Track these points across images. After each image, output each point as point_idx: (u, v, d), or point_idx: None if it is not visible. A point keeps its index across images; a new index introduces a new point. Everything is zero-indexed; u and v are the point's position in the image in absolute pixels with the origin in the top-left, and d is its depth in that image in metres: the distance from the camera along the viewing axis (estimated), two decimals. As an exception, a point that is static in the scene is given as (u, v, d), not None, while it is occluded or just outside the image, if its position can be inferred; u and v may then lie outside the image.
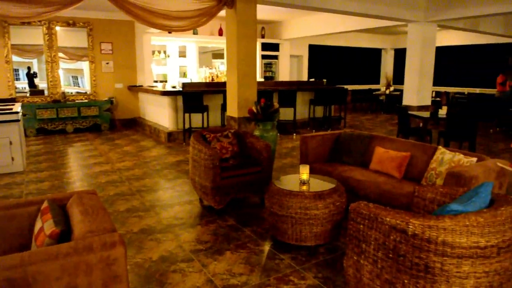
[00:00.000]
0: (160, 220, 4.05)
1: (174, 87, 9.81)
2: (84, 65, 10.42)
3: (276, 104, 5.49)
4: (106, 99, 10.35)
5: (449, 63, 15.15)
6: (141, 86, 10.65)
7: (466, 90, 14.68)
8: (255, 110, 5.48)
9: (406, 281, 2.03)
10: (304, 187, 3.43)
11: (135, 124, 10.77)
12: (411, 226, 1.98)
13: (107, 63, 10.41)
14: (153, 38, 11.26)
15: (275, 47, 13.84)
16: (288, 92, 9.32)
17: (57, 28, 9.67)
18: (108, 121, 10.16)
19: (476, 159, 3.46)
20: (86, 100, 10.16)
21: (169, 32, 10.31)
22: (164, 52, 12.35)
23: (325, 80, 11.74)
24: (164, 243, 3.53)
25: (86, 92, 10.39)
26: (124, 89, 10.76)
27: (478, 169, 3.18)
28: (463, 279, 1.92)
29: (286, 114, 9.63)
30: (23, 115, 9.16)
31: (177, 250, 3.38)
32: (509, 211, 2.02)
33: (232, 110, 6.85)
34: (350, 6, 8.29)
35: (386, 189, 3.72)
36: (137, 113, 10.99)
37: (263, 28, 13.69)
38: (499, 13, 8.51)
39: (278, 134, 6.15)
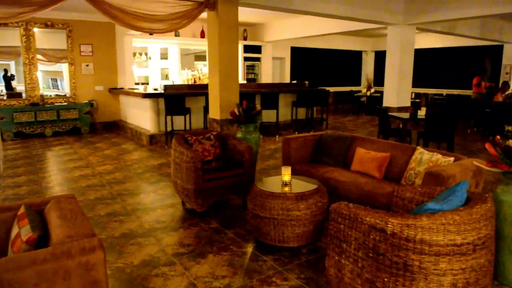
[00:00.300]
0: (141, 224, 4.01)
1: (156, 89, 9.73)
2: (64, 67, 10.23)
3: (258, 106, 5.51)
4: (86, 101, 10.18)
5: (428, 65, 15.48)
6: (122, 88, 10.52)
7: (444, 91, 15.02)
8: (237, 112, 5.48)
9: (386, 279, 2.06)
10: (286, 189, 3.45)
11: (116, 127, 10.63)
12: (389, 225, 2.01)
13: (87, 65, 10.25)
14: (135, 40, 11.14)
15: (257, 49, 13.88)
16: (270, 94, 9.36)
17: (35, 30, 9.47)
18: (88, 124, 9.99)
19: (453, 159, 3.55)
20: (65, 103, 9.97)
21: (151, 34, 10.22)
22: (146, 54, 12.23)
23: (307, 82, 11.84)
24: (146, 247, 3.49)
25: (65, 95, 10.21)
26: (104, 91, 10.61)
27: (456, 169, 3.26)
28: (440, 276, 1.97)
29: (268, 116, 9.66)
30: (0, 118, 8.94)
31: (159, 254, 3.35)
32: (484, 209, 2.07)
33: (215, 112, 6.84)
34: (331, 9, 8.39)
35: (366, 190, 3.77)
36: (118, 116, 10.84)
37: (245, 30, 13.71)
38: (474, 17, 8.76)
39: (261, 136, 6.17)
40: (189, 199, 4.14)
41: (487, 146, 2.86)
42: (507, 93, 11.52)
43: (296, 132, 9.67)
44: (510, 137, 4.29)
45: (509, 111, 9.30)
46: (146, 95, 8.56)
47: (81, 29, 10.02)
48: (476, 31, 11.73)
